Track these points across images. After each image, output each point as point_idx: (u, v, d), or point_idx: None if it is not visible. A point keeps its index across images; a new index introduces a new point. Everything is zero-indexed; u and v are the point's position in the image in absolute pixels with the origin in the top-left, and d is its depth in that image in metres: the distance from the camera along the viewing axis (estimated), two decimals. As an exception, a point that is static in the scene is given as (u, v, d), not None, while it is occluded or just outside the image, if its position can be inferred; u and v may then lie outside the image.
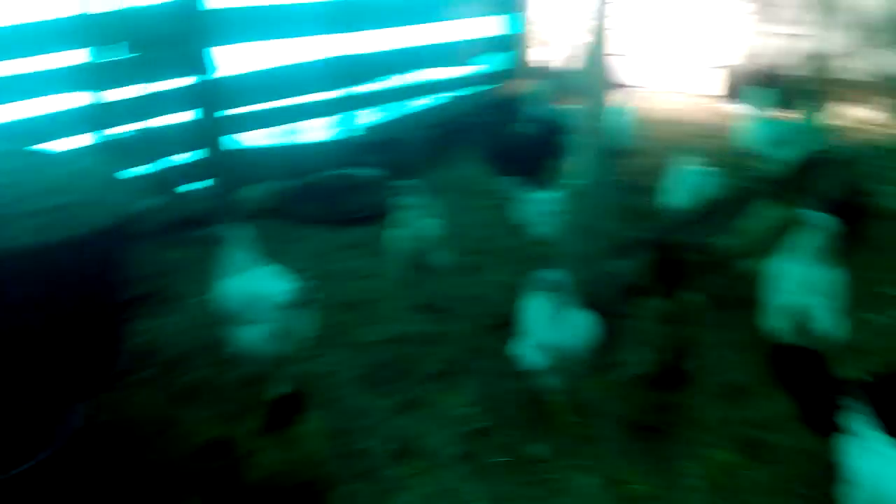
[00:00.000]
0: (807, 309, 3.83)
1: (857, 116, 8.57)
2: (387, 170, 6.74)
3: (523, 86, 8.40)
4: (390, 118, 8.06)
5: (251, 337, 3.72)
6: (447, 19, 8.35)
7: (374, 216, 5.86)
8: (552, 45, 9.47)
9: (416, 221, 4.79)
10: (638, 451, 3.66)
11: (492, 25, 9.35)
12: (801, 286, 3.97)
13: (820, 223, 4.02)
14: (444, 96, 8.56)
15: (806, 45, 8.84)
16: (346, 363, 4.40)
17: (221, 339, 3.89)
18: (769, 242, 4.32)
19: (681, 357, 3.79)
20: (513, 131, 7.04)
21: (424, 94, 8.38)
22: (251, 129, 6.93)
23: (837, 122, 8.20)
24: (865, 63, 8.70)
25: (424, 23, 8.21)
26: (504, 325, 4.14)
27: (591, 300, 3.83)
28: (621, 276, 4.46)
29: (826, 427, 2.98)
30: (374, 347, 4.58)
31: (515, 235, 5.73)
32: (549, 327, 3.65)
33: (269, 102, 6.99)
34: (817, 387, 3.25)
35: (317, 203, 6.59)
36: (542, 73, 7.06)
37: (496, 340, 4.37)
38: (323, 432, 3.21)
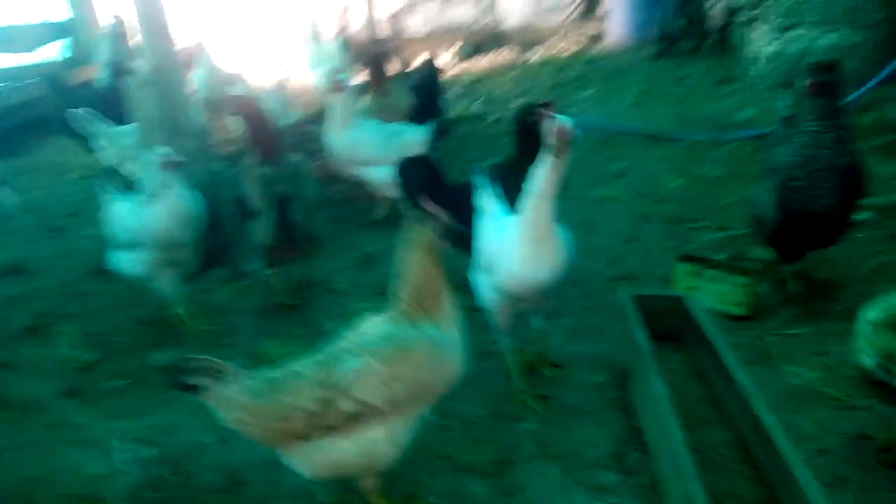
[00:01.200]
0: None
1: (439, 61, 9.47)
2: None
3: (91, 67, 7.54)
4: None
5: None
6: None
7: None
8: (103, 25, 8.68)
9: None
10: (280, 328, 3.43)
11: (54, 11, 8.31)
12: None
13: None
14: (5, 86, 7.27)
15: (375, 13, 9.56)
16: None
17: None
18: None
19: (306, 233, 3.63)
20: (87, 103, 6.25)
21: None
22: None
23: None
24: (423, 19, 9.87)
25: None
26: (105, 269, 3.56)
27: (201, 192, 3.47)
28: (225, 177, 4.15)
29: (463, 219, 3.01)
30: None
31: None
32: (140, 216, 3.19)
33: None
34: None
35: None
36: (109, 48, 6.44)
37: (100, 284, 3.92)
38: None
